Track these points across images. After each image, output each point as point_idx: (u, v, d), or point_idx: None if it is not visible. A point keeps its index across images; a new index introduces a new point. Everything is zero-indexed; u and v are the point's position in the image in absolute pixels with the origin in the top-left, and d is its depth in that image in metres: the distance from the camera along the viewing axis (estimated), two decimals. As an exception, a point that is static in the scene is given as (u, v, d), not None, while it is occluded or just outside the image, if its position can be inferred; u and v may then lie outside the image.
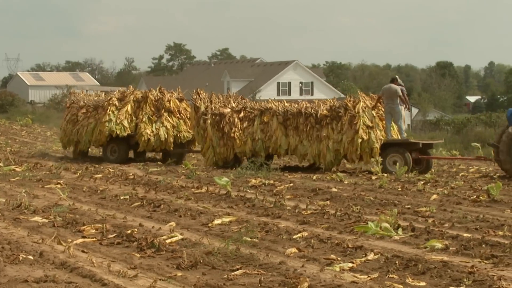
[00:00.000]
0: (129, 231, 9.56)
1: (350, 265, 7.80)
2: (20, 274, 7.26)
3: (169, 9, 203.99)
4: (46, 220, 10.66)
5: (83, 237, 9.45)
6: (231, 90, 73.75)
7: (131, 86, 21.66)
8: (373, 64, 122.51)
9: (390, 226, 9.72)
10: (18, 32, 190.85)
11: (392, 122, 18.31)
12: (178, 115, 20.89)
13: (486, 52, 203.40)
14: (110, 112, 20.37)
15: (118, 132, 20.27)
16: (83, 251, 8.52)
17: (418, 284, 7.13)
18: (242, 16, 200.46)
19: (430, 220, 10.64)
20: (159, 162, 20.65)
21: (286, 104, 19.17)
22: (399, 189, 14.26)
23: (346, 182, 15.48)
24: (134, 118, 20.58)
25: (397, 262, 7.86)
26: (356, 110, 17.97)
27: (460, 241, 9.04)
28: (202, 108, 19.43)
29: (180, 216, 11.07)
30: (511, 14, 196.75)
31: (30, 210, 11.50)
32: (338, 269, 7.62)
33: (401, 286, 7.01)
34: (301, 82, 77.55)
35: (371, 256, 8.17)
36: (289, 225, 10.25)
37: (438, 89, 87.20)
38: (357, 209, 11.73)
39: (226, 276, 7.38)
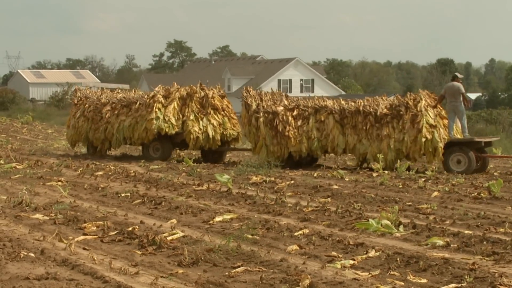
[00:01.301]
0: (130, 229, 9.56)
1: (351, 262, 7.81)
2: (22, 272, 7.26)
3: (170, 6, 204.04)
4: (47, 218, 10.66)
5: (84, 234, 9.46)
6: (232, 88, 73.92)
7: (175, 83, 21.17)
8: (373, 61, 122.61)
9: (391, 223, 9.71)
10: (19, 29, 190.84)
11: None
12: (223, 112, 20.53)
13: (487, 49, 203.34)
14: (157, 110, 19.89)
15: (167, 130, 19.81)
16: (84, 249, 8.53)
17: (419, 281, 7.13)
18: (242, 13, 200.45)
19: (431, 217, 10.64)
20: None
21: (342, 102, 18.85)
22: (400, 186, 14.26)
23: (347, 179, 15.48)
24: (180, 116, 20.16)
25: (398, 259, 7.86)
26: (418, 108, 17.69)
27: (461, 238, 9.04)
28: (254, 106, 19.05)
29: (181, 213, 11.08)
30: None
31: (31, 207, 11.50)
32: (339, 266, 7.62)
33: (402, 283, 7.02)
34: (302, 79, 77.57)
35: (372, 253, 8.18)
36: (290, 222, 10.25)
37: (439, 86, 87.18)
38: (358, 206, 11.73)
39: (227, 273, 7.38)
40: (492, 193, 12.83)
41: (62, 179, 15.42)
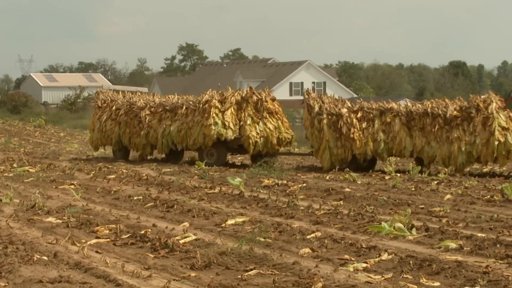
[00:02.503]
0: (142, 232, 9.58)
1: (364, 265, 7.79)
2: (35, 275, 7.28)
3: (181, 10, 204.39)
4: (60, 221, 10.70)
5: (97, 237, 9.48)
6: (241, 89, 73.92)
7: (229, 88, 20.97)
8: (385, 64, 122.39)
9: (404, 226, 9.69)
10: (31, 33, 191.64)
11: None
12: (277, 116, 20.32)
13: (499, 52, 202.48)
14: (214, 115, 19.61)
15: (227, 136, 19.53)
16: (97, 252, 8.55)
17: (432, 284, 7.11)
18: (253, 17, 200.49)
19: (444, 220, 10.60)
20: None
21: (408, 104, 18.65)
22: (413, 189, 14.22)
23: (359, 182, 15.46)
24: (237, 121, 19.90)
25: (411, 262, 7.84)
26: (489, 111, 17.53)
27: (474, 241, 9.01)
28: (316, 108, 18.83)
29: (194, 217, 11.09)
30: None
31: (44, 211, 11.54)
32: (352, 269, 7.60)
33: (415, 286, 6.99)
34: (313, 82, 77.54)
35: (385, 256, 8.16)
36: (302, 225, 10.24)
37: (451, 89, 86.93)
38: (371, 209, 11.70)
39: (240, 276, 7.38)
40: (506, 196, 12.77)
41: (75, 182, 15.47)
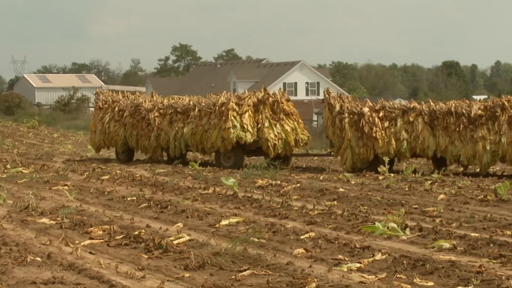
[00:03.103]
0: (136, 232, 9.57)
1: (358, 265, 7.80)
2: (28, 276, 7.27)
3: (175, 11, 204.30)
4: (54, 222, 10.68)
5: (91, 238, 9.47)
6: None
7: (246, 90, 20.77)
8: (379, 64, 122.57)
9: (398, 226, 9.70)
10: (25, 34, 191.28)
11: None
12: (293, 117, 20.07)
13: (493, 52, 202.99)
14: (232, 118, 19.30)
15: (246, 139, 19.24)
16: (90, 253, 8.53)
17: (426, 284, 7.12)
18: (247, 18, 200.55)
19: (437, 220, 10.62)
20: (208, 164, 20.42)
21: (431, 103, 18.53)
22: (406, 189, 14.24)
23: (353, 182, 15.47)
24: (255, 123, 19.58)
25: (404, 262, 7.85)
26: None
27: (467, 241, 9.02)
28: (338, 107, 18.70)
29: (187, 217, 11.08)
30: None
31: (37, 211, 11.52)
32: (345, 269, 7.61)
33: (409, 286, 7.00)
34: (307, 83, 77.63)
35: (378, 256, 8.16)
36: (296, 226, 10.25)
37: (444, 89, 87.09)
38: (364, 209, 11.71)
39: (233, 276, 7.38)
40: (499, 196, 12.80)
41: (68, 183, 15.45)
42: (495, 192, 13.04)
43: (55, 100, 61.34)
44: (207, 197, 13.34)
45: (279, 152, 19.52)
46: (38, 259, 8.03)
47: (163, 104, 20.98)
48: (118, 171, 17.84)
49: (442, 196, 13.16)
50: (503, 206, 12.08)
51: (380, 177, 16.55)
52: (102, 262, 7.87)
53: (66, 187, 14.70)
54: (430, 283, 7.14)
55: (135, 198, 13.19)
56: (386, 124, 18.39)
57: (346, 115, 18.51)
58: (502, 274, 7.28)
